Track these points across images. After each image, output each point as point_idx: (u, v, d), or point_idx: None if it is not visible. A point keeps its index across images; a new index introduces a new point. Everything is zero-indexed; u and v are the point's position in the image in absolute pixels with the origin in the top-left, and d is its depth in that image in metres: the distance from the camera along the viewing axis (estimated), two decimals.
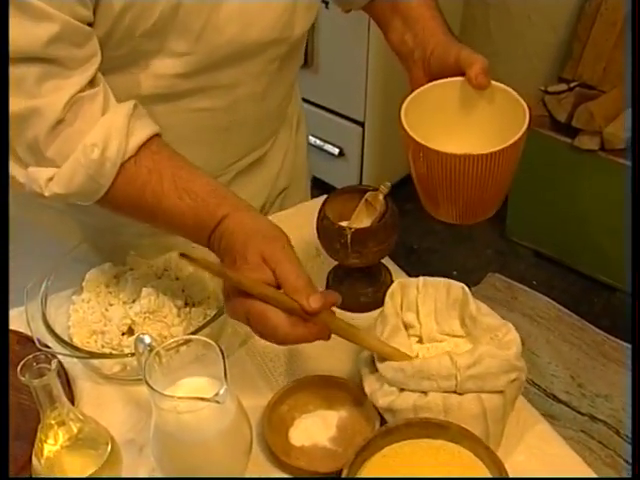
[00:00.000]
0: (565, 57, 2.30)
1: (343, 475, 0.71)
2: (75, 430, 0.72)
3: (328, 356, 0.91)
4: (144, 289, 0.92)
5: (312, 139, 2.44)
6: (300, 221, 1.07)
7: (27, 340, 0.90)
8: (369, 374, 0.81)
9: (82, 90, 0.80)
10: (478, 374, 0.74)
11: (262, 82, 0.99)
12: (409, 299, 0.85)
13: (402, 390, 0.77)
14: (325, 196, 0.98)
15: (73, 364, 0.91)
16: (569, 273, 2.37)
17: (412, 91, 0.86)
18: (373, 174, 2.53)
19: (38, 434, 0.72)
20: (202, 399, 0.66)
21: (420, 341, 0.86)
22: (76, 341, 0.90)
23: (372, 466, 0.74)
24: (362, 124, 2.44)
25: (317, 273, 1.04)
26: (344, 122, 2.48)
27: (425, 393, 0.76)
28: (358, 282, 1.00)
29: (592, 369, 2.07)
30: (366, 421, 0.82)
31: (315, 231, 0.96)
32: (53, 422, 0.71)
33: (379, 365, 0.78)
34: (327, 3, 2.20)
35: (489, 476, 0.72)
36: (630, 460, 1.78)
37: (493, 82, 0.83)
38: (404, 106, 0.83)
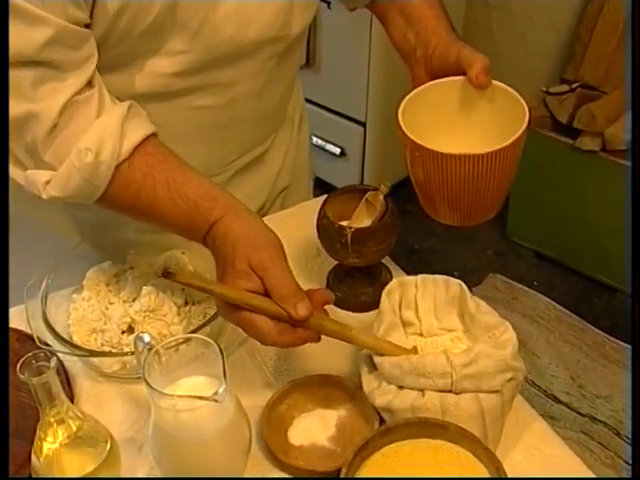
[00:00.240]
0: (567, 58, 2.30)
1: (342, 474, 0.71)
2: (74, 428, 0.72)
3: (327, 356, 0.91)
4: (144, 288, 0.92)
5: (314, 139, 2.44)
6: (301, 220, 1.07)
7: (27, 338, 0.90)
8: (368, 373, 0.81)
9: (79, 92, 0.80)
10: (474, 373, 0.74)
11: (260, 80, 0.99)
12: (408, 297, 0.85)
13: (400, 388, 0.77)
14: (325, 196, 0.98)
15: (73, 362, 0.91)
16: (570, 274, 2.37)
17: (413, 89, 0.86)
18: (374, 174, 2.53)
19: (37, 432, 0.72)
20: (201, 398, 0.66)
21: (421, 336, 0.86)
22: (76, 339, 0.90)
23: (371, 465, 0.73)
24: (363, 124, 2.44)
25: (317, 273, 1.05)
26: (345, 122, 2.48)
27: (422, 393, 0.76)
28: (358, 282, 1.00)
29: (592, 370, 2.06)
30: (365, 421, 0.82)
31: (315, 230, 0.96)
32: (52, 420, 0.71)
33: (376, 359, 0.78)
34: (329, 3, 2.21)
35: (487, 476, 0.72)
36: (630, 461, 1.78)
37: (494, 82, 0.83)
38: (402, 105, 0.83)
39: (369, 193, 0.95)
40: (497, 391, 0.76)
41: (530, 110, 0.79)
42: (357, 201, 0.96)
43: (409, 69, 0.93)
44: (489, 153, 0.75)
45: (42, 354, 0.68)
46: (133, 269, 0.98)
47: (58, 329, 0.87)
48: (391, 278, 1.02)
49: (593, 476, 0.82)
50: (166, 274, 0.81)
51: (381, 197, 0.93)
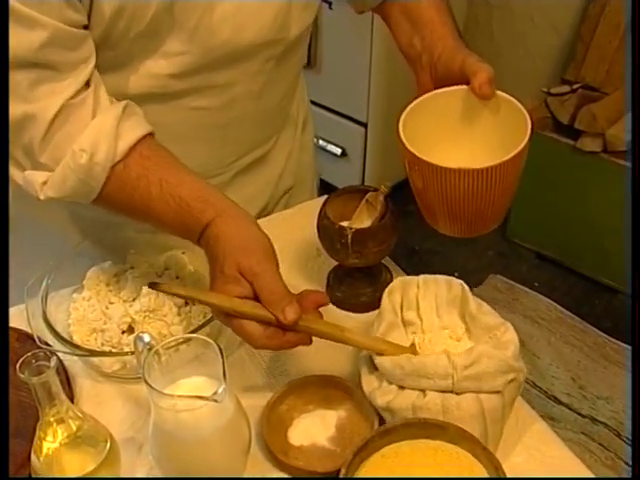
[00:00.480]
0: (568, 59, 2.30)
1: (341, 475, 0.71)
2: (74, 428, 0.72)
3: (327, 356, 0.91)
4: (144, 287, 0.92)
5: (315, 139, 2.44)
6: (301, 221, 1.07)
7: (27, 337, 0.90)
8: (368, 373, 0.81)
9: (76, 94, 0.80)
10: (475, 374, 0.74)
11: (259, 81, 0.99)
12: (409, 298, 0.85)
13: (401, 389, 0.77)
14: (326, 196, 0.98)
15: (73, 362, 0.91)
16: (571, 275, 2.37)
17: (417, 96, 0.85)
18: (375, 175, 2.53)
19: (37, 431, 0.72)
20: (201, 398, 0.66)
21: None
22: (76, 339, 0.90)
23: (370, 466, 0.73)
24: (365, 125, 2.44)
25: (317, 273, 1.05)
26: (347, 123, 2.48)
27: (424, 393, 0.76)
28: (358, 282, 1.00)
29: (593, 371, 2.06)
30: (365, 421, 0.82)
31: (316, 231, 0.96)
32: (52, 420, 0.71)
33: (376, 360, 0.78)
34: (330, 3, 2.21)
35: (487, 477, 0.72)
36: (631, 462, 1.78)
37: (498, 92, 0.81)
38: (403, 115, 0.82)
39: (369, 194, 0.95)
40: (498, 392, 0.76)
41: (533, 123, 0.78)
42: (357, 202, 0.96)
43: (414, 74, 0.92)
44: (489, 168, 0.74)
45: (42, 353, 0.68)
46: (133, 269, 0.98)
47: (58, 329, 0.88)
48: (391, 279, 1.02)
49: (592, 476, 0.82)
50: (152, 285, 0.81)
51: (381, 198, 0.93)
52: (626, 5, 2.07)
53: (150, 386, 0.67)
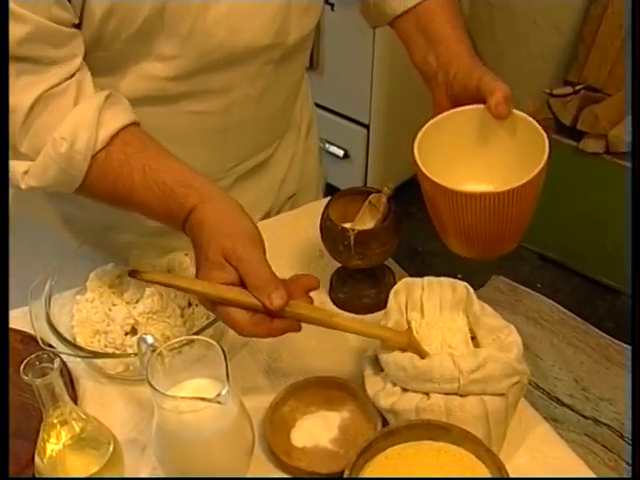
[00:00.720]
0: (570, 60, 2.30)
1: (345, 476, 0.71)
2: (77, 429, 0.72)
3: (330, 357, 0.92)
4: (147, 289, 0.92)
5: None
6: (304, 222, 1.07)
7: (30, 339, 0.90)
8: (372, 375, 0.81)
9: (56, 85, 0.80)
10: (481, 378, 0.74)
11: (258, 85, 0.99)
12: (414, 299, 0.85)
13: (405, 391, 0.77)
14: (329, 198, 0.98)
15: (76, 364, 0.91)
16: (573, 276, 2.36)
17: (434, 115, 0.83)
18: (378, 176, 2.53)
19: (41, 433, 0.72)
20: (204, 399, 0.66)
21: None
22: (79, 341, 0.90)
23: (374, 467, 0.73)
24: (367, 126, 2.44)
25: (320, 274, 1.04)
26: (349, 124, 2.48)
27: (427, 395, 0.76)
28: (361, 283, 1.00)
29: (596, 372, 2.06)
30: (368, 422, 0.82)
31: (319, 232, 0.96)
32: (56, 421, 0.71)
33: (381, 358, 0.78)
34: (332, 5, 2.21)
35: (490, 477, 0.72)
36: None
37: (514, 111, 0.80)
38: (419, 135, 0.80)
39: (372, 195, 0.95)
40: (502, 394, 0.76)
41: (550, 142, 0.76)
42: (360, 203, 0.96)
43: (430, 92, 0.91)
44: (505, 192, 0.72)
45: (46, 355, 0.68)
46: None
47: (62, 330, 0.88)
48: (394, 280, 1.02)
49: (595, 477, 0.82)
50: (132, 273, 0.79)
51: (384, 199, 0.93)
52: (628, 6, 2.07)
53: (153, 388, 0.67)
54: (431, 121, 0.82)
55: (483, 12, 2.53)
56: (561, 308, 2.24)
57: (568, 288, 2.34)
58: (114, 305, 0.95)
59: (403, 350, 0.77)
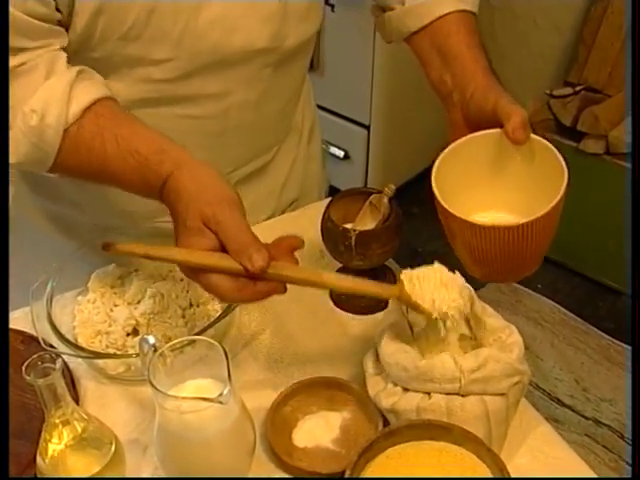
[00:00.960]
0: (571, 60, 2.30)
1: (346, 476, 0.71)
2: (79, 429, 0.72)
3: (331, 358, 0.92)
4: (149, 290, 0.93)
5: None
6: (305, 223, 1.07)
7: (32, 340, 0.90)
8: (373, 375, 0.81)
9: (27, 62, 0.78)
10: (482, 378, 0.75)
11: (256, 89, 0.98)
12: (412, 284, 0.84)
13: (406, 391, 0.77)
14: (329, 198, 0.98)
15: (78, 364, 0.92)
16: (574, 276, 2.36)
17: (451, 138, 0.82)
18: (378, 177, 2.53)
19: (42, 433, 0.72)
20: (205, 399, 0.66)
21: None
22: (81, 341, 0.91)
23: (375, 467, 0.74)
24: (367, 127, 2.44)
25: None
26: (349, 125, 2.48)
27: (428, 395, 0.76)
28: None
29: (597, 373, 2.06)
30: (369, 423, 0.83)
31: (319, 233, 0.96)
32: (57, 421, 0.71)
33: (382, 357, 0.78)
34: (333, 6, 2.21)
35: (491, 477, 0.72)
36: None
37: (532, 135, 0.78)
38: (437, 162, 0.79)
39: (373, 196, 0.95)
40: (503, 394, 0.76)
41: (569, 168, 0.73)
42: (361, 204, 0.96)
43: (446, 111, 0.89)
44: (521, 225, 0.71)
45: (47, 356, 0.68)
46: (138, 271, 0.98)
47: (63, 331, 0.88)
48: (395, 281, 1.01)
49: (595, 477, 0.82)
50: (106, 246, 0.76)
51: (385, 200, 0.94)
52: (628, 7, 2.08)
53: (155, 388, 0.67)
54: (448, 148, 0.81)
55: (484, 13, 2.51)
56: (562, 309, 2.25)
57: (568, 288, 2.34)
58: (116, 306, 0.95)
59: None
